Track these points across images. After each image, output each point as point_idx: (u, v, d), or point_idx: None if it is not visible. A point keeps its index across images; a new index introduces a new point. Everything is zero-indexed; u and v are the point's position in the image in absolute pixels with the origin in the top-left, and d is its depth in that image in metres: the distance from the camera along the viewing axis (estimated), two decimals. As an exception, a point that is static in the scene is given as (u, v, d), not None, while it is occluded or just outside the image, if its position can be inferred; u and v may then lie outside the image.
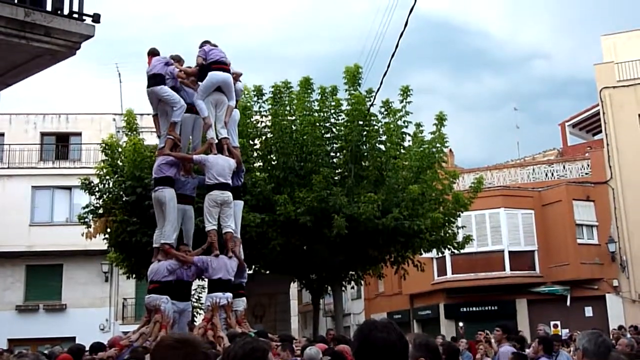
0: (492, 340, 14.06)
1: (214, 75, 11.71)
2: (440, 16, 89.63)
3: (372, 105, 17.59)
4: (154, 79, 11.58)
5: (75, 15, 7.22)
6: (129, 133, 17.51)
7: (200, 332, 10.63)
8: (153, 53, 11.89)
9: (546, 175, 28.51)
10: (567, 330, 21.46)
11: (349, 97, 17.70)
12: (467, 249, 21.16)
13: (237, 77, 12.62)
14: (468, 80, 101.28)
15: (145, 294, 11.74)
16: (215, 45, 12.11)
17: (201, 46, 12.12)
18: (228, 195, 11.55)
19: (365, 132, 17.40)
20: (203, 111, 11.66)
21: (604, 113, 27.69)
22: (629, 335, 14.55)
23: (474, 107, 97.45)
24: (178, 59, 12.09)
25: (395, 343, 2.66)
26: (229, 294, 11.21)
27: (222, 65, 11.81)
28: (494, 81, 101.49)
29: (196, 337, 2.68)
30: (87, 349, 10.33)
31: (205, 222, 11.50)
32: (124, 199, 16.39)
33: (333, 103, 17.84)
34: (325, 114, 17.81)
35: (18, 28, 6.94)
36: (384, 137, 17.98)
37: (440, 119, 18.73)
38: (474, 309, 26.90)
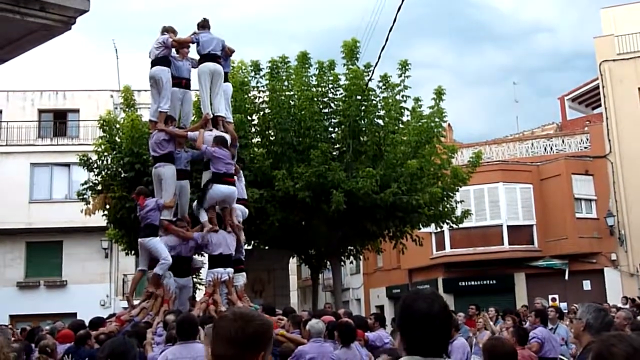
0: (490, 322, 14.07)
1: (219, 190, 11.25)
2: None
3: (370, 79, 17.52)
4: (147, 230, 11.20)
5: (70, -11, 7.15)
6: (127, 109, 17.49)
7: (202, 307, 10.67)
8: (140, 193, 11.45)
9: (545, 149, 28.47)
10: (565, 304, 21.58)
11: (347, 71, 17.62)
12: (465, 224, 21.20)
13: (229, 53, 12.68)
14: (471, 54, 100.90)
15: (146, 270, 11.78)
16: (206, 27, 12.09)
17: (200, 25, 12.12)
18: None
19: (363, 107, 17.34)
20: (203, 217, 11.42)
21: (603, 87, 27.54)
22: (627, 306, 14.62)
23: (476, 82, 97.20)
24: (172, 30, 12.05)
25: (438, 313, 2.67)
26: (230, 269, 11.26)
27: (228, 178, 11.40)
28: (497, 55, 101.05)
29: (252, 311, 2.76)
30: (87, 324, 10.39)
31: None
32: (122, 175, 16.41)
33: (331, 78, 17.76)
34: (323, 89, 17.75)
35: (12, 3, 6.85)
36: (382, 112, 17.95)
37: (439, 94, 18.66)
38: (473, 283, 27.02)
